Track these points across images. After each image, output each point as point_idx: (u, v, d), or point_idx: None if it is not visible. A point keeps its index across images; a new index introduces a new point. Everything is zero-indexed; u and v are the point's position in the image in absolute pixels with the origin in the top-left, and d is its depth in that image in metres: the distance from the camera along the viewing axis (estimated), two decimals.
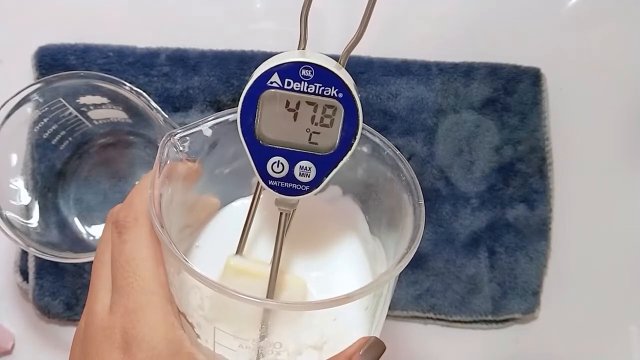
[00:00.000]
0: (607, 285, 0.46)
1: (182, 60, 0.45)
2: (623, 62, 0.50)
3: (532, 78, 0.47)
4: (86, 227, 0.42)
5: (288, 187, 0.27)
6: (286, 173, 0.26)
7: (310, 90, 0.25)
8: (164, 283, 0.22)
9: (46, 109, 0.37)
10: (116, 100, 0.38)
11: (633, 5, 0.51)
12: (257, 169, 0.26)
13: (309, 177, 0.27)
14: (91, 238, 0.42)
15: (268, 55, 0.49)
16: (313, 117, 0.25)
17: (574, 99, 0.49)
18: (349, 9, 0.50)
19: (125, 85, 0.36)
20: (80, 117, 0.39)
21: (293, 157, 0.26)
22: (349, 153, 0.26)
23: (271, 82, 0.25)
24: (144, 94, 0.35)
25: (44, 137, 0.39)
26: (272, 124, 0.25)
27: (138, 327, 0.21)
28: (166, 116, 0.35)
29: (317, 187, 0.27)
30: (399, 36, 0.49)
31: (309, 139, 0.26)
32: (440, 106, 0.46)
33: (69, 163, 0.42)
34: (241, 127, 0.25)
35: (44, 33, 0.45)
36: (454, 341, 0.45)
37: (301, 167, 0.26)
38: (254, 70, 0.26)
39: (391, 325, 0.45)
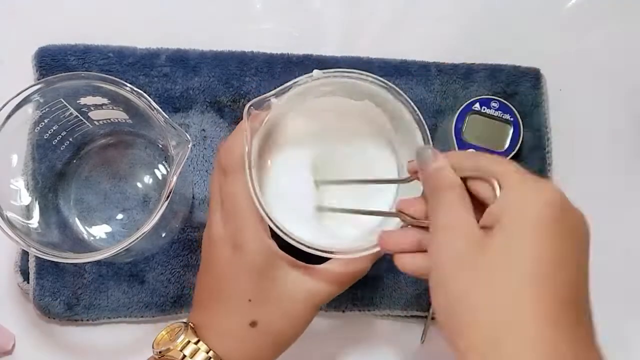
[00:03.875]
0: (606, 285, 0.46)
1: (182, 61, 0.45)
2: (623, 62, 0.50)
3: (532, 79, 0.47)
4: (87, 228, 0.42)
5: None
6: None
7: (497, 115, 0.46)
8: (251, 211, 0.33)
9: (47, 109, 0.37)
10: (117, 100, 0.38)
11: (633, 6, 0.51)
12: None
13: None
14: (92, 238, 0.42)
15: (268, 56, 0.49)
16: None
17: (573, 99, 0.49)
18: (349, 9, 0.50)
19: (125, 85, 0.36)
20: (80, 117, 0.39)
21: (480, 150, 0.44)
22: (514, 152, 0.45)
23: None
24: (145, 94, 0.35)
25: (45, 137, 0.39)
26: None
27: (241, 237, 0.33)
28: (166, 117, 0.35)
29: None
30: (399, 36, 0.49)
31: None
32: (439, 107, 0.47)
33: (70, 163, 0.42)
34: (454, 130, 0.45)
35: (44, 33, 0.45)
36: None
37: None
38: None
39: (391, 324, 0.45)
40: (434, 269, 0.28)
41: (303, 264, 0.35)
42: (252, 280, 0.34)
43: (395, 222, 0.37)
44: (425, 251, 0.30)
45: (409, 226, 0.32)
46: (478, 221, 0.27)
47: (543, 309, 0.24)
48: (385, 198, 0.42)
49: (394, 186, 0.42)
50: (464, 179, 0.29)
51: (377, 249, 0.35)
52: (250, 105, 0.36)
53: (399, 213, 0.32)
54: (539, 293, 0.25)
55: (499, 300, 0.25)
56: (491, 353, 0.24)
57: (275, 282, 0.34)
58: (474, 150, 0.45)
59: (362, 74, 0.38)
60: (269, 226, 0.35)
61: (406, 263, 0.31)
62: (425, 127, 0.38)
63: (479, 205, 0.28)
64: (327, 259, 0.36)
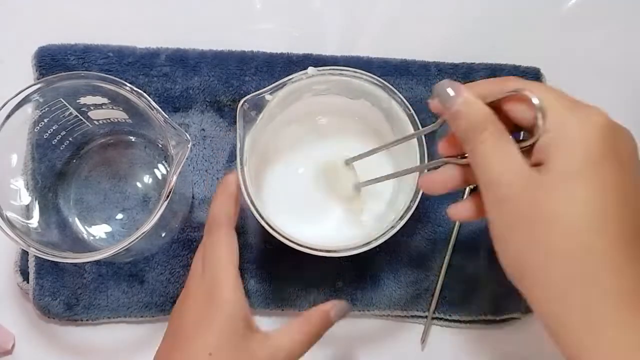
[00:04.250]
0: None
1: (182, 61, 0.45)
2: (623, 62, 0.50)
3: (531, 79, 0.47)
4: (86, 227, 0.42)
5: None
6: None
7: None
8: (232, 265, 0.34)
9: (46, 109, 0.37)
10: (116, 100, 0.38)
11: (633, 5, 0.51)
12: None
13: None
14: (91, 238, 0.42)
15: (268, 56, 0.49)
16: None
17: None
18: (349, 9, 0.50)
19: (125, 85, 0.36)
20: (80, 117, 0.39)
21: None
22: None
23: None
24: (144, 94, 0.35)
25: (44, 137, 0.39)
26: None
27: (217, 290, 0.33)
28: (166, 116, 0.35)
29: None
30: (399, 36, 0.49)
31: None
32: None
33: (69, 163, 0.42)
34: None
35: (44, 33, 0.45)
36: (454, 341, 0.45)
37: None
38: None
39: (391, 324, 0.45)
40: (489, 224, 0.27)
41: (263, 331, 0.34)
42: (218, 335, 0.32)
43: (391, 218, 0.37)
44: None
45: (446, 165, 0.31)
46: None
47: (611, 255, 0.24)
48: (383, 196, 0.42)
49: (390, 184, 0.42)
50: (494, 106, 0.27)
51: (372, 245, 0.35)
52: (245, 102, 0.36)
53: (446, 159, 0.32)
54: (606, 239, 0.24)
55: (561, 255, 0.24)
56: (561, 310, 0.24)
57: (239, 340, 0.33)
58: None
59: (356, 71, 0.38)
60: (263, 226, 0.35)
61: (457, 213, 0.31)
62: (420, 126, 0.38)
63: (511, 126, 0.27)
64: (318, 257, 0.36)
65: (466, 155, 0.30)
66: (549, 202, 0.25)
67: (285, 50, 0.46)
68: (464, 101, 0.28)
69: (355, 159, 0.40)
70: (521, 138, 0.28)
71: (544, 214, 0.25)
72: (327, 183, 0.41)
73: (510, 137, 0.27)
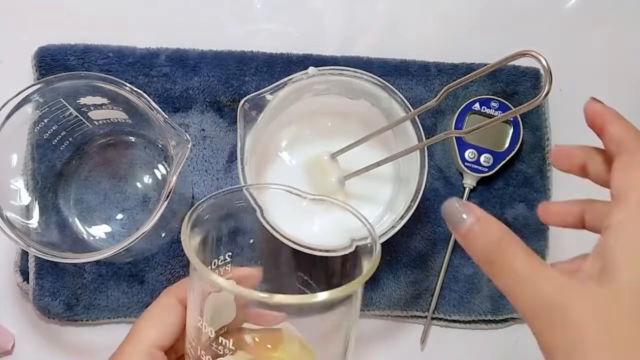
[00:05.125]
0: None
1: (182, 61, 0.45)
2: (623, 62, 0.50)
3: (531, 79, 0.47)
4: (86, 227, 0.42)
5: (474, 167, 0.45)
6: (475, 159, 0.45)
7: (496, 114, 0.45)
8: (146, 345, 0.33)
9: (46, 109, 0.37)
10: (116, 100, 0.38)
11: (633, 5, 0.51)
12: (459, 155, 0.45)
13: (488, 163, 0.45)
14: (91, 238, 0.42)
15: (268, 56, 0.49)
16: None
17: (573, 99, 0.49)
18: (349, 9, 0.50)
19: (125, 85, 0.36)
20: (80, 117, 0.39)
21: (480, 150, 0.45)
22: (514, 152, 0.45)
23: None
24: (144, 94, 0.35)
25: (44, 137, 0.39)
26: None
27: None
28: (166, 117, 0.35)
29: (492, 170, 0.45)
30: (399, 36, 0.49)
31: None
32: (439, 107, 0.46)
33: (69, 163, 0.42)
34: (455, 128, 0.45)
35: (44, 33, 0.45)
36: (453, 341, 0.45)
37: (485, 157, 0.45)
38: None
39: (391, 324, 0.45)
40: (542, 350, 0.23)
41: None
42: None
43: (387, 224, 0.37)
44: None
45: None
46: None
47: None
48: (384, 195, 0.42)
49: (390, 184, 0.42)
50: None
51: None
52: (245, 101, 0.36)
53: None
54: None
55: None
56: None
57: None
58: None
59: (356, 71, 0.38)
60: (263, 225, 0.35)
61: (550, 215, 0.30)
62: (420, 126, 0.38)
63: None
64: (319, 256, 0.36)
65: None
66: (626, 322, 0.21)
67: (285, 50, 0.46)
68: (478, 219, 0.25)
69: (340, 152, 0.40)
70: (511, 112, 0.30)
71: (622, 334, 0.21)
72: (311, 178, 0.41)
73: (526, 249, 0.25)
